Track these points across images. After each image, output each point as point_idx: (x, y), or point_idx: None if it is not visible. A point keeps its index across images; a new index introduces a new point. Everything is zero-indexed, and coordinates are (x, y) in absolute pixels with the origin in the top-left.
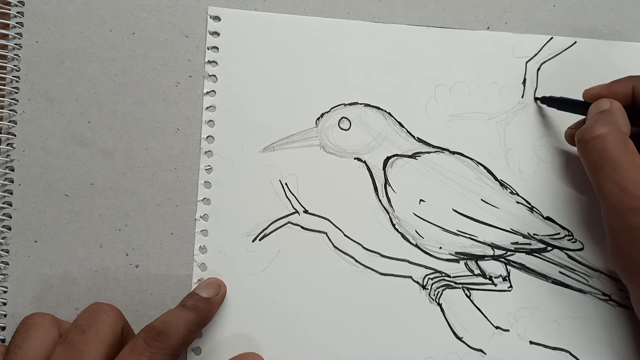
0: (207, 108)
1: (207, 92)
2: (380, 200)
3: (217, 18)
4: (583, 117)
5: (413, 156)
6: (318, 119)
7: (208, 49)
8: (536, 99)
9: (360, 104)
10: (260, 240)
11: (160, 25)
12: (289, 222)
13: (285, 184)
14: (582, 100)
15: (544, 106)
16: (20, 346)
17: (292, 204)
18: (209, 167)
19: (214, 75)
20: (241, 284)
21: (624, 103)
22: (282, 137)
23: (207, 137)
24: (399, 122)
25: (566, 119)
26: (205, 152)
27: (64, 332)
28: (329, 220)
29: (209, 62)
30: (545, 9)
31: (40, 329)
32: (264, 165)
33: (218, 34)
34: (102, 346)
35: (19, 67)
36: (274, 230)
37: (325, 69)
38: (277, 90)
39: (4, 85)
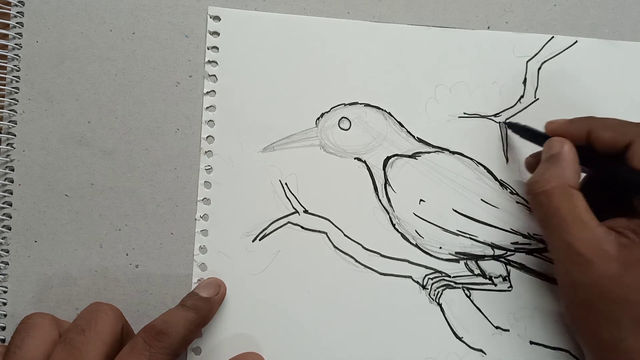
0: (207, 108)
1: (207, 92)
2: (380, 200)
3: (217, 18)
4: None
5: (413, 156)
6: (318, 118)
7: (208, 49)
8: (503, 123)
9: (360, 103)
10: (260, 240)
11: (160, 25)
12: (289, 222)
13: (285, 184)
14: (543, 132)
15: (541, 107)
16: (20, 346)
17: (292, 204)
18: (209, 167)
19: (214, 75)
20: (241, 284)
21: (578, 143)
22: (282, 137)
23: (207, 137)
24: (399, 122)
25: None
26: (205, 152)
27: (63, 332)
28: (329, 220)
29: (209, 62)
30: (546, 8)
31: (40, 329)
32: (264, 165)
33: (218, 34)
34: (102, 346)
35: (19, 67)
36: (274, 230)
37: (325, 69)
38: (277, 90)
39: (4, 85)
